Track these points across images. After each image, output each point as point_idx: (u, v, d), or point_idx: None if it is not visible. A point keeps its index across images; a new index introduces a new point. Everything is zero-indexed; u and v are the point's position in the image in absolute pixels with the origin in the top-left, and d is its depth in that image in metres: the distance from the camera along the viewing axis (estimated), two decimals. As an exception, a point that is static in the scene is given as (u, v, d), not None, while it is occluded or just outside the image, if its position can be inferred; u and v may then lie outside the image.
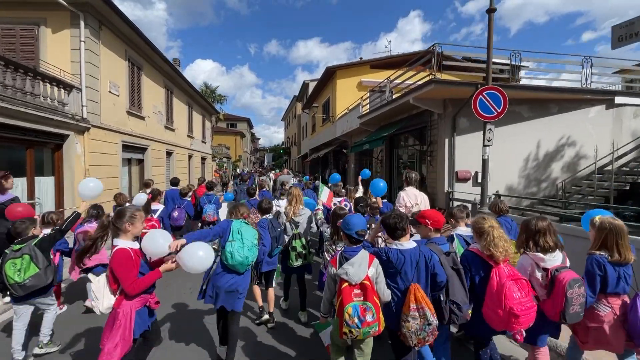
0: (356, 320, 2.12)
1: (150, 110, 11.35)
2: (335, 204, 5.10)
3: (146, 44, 10.15)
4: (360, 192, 6.12)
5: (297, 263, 3.81)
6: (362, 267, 2.25)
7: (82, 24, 7.50)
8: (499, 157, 7.44)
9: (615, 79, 12.19)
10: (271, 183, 12.69)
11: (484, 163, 5.60)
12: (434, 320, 2.19)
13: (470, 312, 2.47)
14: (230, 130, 40.16)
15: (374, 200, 4.77)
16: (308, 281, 4.21)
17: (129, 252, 2.19)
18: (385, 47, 59.16)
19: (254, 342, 3.47)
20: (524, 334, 2.29)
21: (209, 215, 6.41)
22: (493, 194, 6.87)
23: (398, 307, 2.29)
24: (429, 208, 4.00)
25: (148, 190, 6.14)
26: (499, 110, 5.33)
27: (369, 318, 2.14)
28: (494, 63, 6.83)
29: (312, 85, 22.50)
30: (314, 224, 4.13)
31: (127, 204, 5.12)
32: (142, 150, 11.02)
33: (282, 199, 5.24)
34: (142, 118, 10.74)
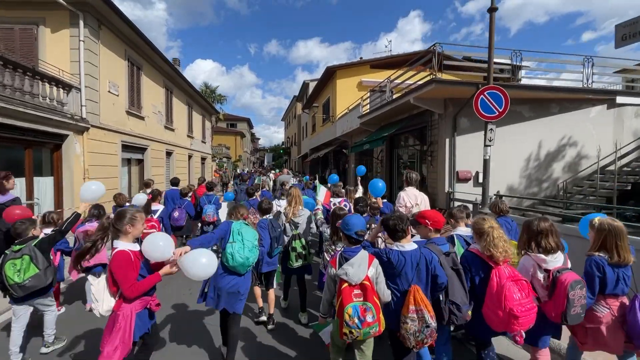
0: (356, 320, 2.11)
1: (149, 110, 11.34)
2: (335, 204, 5.09)
3: (146, 44, 10.13)
4: (360, 193, 6.12)
5: (297, 264, 3.80)
6: (361, 267, 2.24)
7: (81, 23, 7.48)
8: (499, 157, 7.43)
9: (616, 78, 12.18)
10: (271, 183, 12.68)
11: (486, 163, 5.58)
12: (433, 322, 2.18)
13: (470, 312, 2.46)
14: (230, 130, 40.12)
15: (374, 200, 4.76)
16: (308, 281, 4.20)
17: (129, 255, 2.17)
18: (386, 47, 59.18)
19: (254, 343, 3.47)
20: (524, 335, 2.28)
21: (209, 216, 6.39)
22: (494, 194, 6.85)
23: (398, 307, 2.29)
24: (429, 208, 3.99)
25: (148, 191, 6.13)
26: (500, 110, 5.29)
27: (369, 318, 2.13)
28: (495, 63, 6.80)
29: (312, 85, 22.47)
30: (313, 225, 4.12)
31: (127, 204, 5.11)
32: (142, 150, 11.00)
33: (282, 199, 5.23)
34: (142, 118, 10.73)
